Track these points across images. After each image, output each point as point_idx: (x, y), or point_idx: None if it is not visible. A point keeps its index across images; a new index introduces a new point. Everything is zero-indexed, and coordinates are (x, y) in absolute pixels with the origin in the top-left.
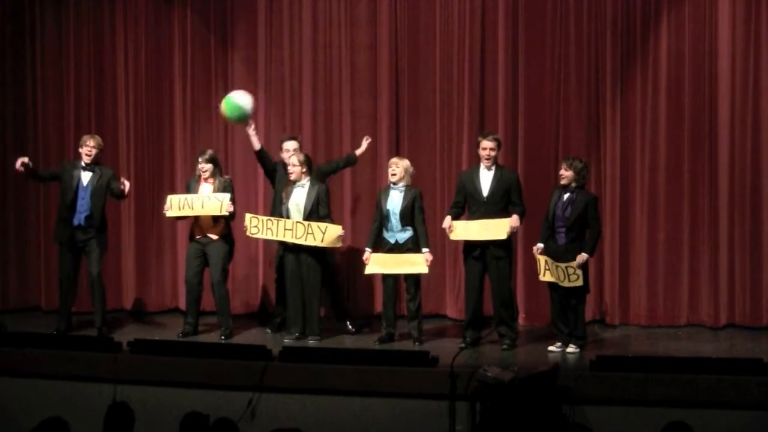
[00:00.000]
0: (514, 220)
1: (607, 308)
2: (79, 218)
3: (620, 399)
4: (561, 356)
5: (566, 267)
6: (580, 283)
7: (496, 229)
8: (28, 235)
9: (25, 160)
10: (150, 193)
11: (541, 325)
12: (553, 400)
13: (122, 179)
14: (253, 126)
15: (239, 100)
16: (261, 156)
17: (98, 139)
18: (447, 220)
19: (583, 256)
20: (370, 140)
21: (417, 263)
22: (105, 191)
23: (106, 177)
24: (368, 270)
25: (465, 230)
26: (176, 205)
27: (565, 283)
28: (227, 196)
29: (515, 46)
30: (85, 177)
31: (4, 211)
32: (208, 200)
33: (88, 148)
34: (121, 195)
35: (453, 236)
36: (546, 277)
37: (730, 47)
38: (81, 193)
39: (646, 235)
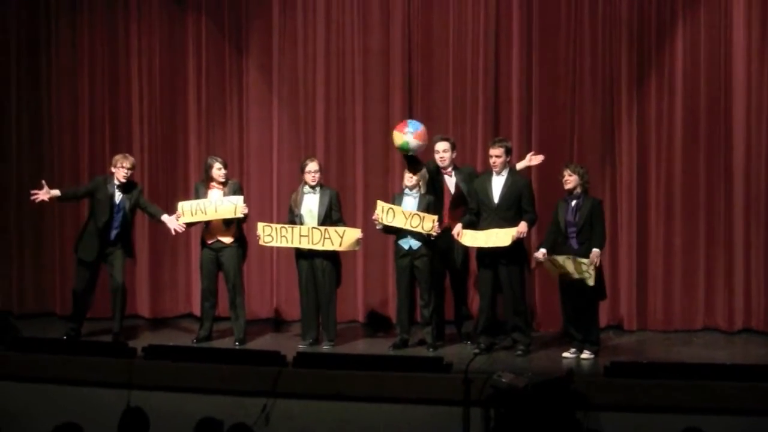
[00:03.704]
0: (522, 227)
1: (624, 313)
2: (112, 235)
3: (635, 405)
4: (575, 362)
5: (580, 263)
6: (592, 282)
7: (502, 236)
8: (44, 242)
9: (47, 194)
10: (164, 199)
11: (556, 331)
12: (567, 406)
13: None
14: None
15: (411, 143)
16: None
17: (132, 159)
18: (457, 227)
19: (596, 252)
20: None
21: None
22: (134, 208)
23: (136, 194)
24: (464, 241)
25: (473, 238)
26: (188, 211)
27: (579, 276)
28: (240, 198)
29: (529, 52)
30: (118, 196)
31: (20, 218)
32: (221, 204)
33: (124, 170)
34: (155, 217)
35: (462, 242)
36: (561, 271)
37: (746, 52)
38: (115, 212)
39: (663, 241)
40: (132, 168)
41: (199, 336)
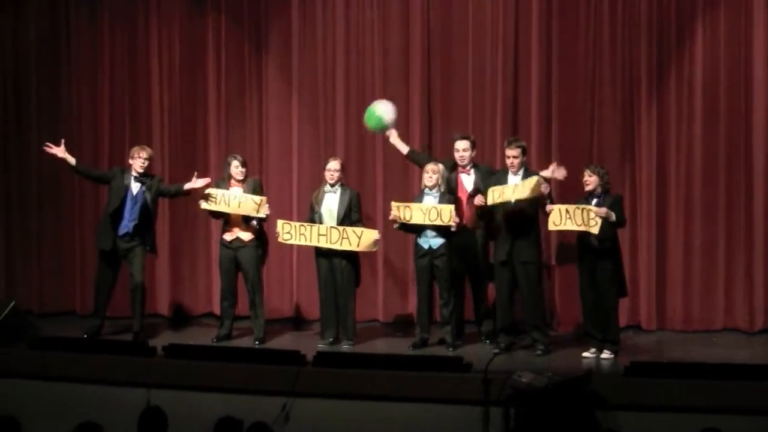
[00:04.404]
0: (545, 187)
1: (643, 313)
2: (127, 226)
3: (654, 405)
4: (595, 362)
5: (588, 210)
6: (596, 230)
7: (527, 185)
8: (64, 240)
9: (62, 152)
10: (184, 198)
11: (576, 331)
12: (587, 406)
13: (193, 180)
14: (394, 134)
15: (380, 110)
16: (412, 158)
17: (150, 150)
18: (479, 198)
19: (607, 210)
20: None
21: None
22: (155, 198)
23: (156, 183)
24: (489, 200)
25: (500, 193)
26: (213, 200)
27: (584, 228)
28: (264, 198)
29: (549, 51)
30: (135, 186)
31: (41, 216)
32: (244, 200)
33: (141, 160)
34: (181, 193)
35: (490, 201)
36: (566, 224)
37: (766, 52)
38: (129, 203)
39: (682, 241)
40: (149, 158)
41: (219, 335)
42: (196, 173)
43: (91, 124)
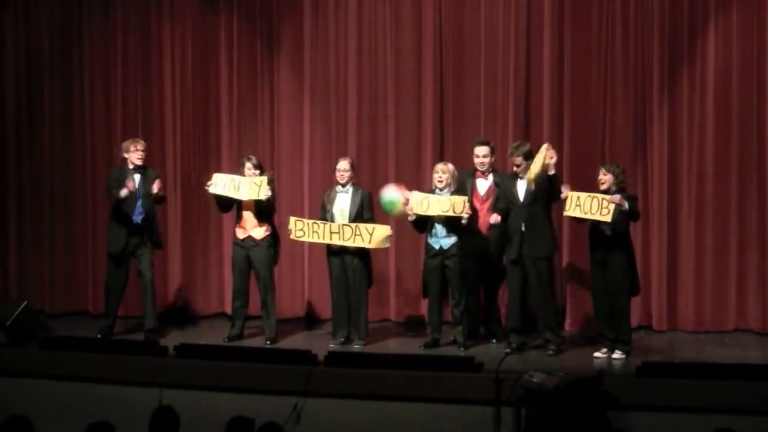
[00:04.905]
0: (551, 152)
1: (654, 313)
2: (136, 220)
3: (666, 405)
4: (607, 362)
5: (601, 199)
6: (608, 219)
7: (539, 159)
8: (76, 240)
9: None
10: (196, 195)
11: (587, 331)
12: (599, 406)
13: (155, 183)
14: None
15: (388, 196)
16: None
17: (144, 142)
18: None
19: (621, 198)
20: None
21: None
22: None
23: (152, 178)
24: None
25: (534, 173)
26: (221, 184)
27: (596, 216)
28: (264, 179)
29: (561, 51)
30: (137, 179)
31: (53, 216)
32: (245, 183)
33: (139, 153)
34: (159, 200)
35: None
36: (575, 212)
37: None
38: (137, 196)
39: (694, 241)
40: (146, 150)
41: (231, 335)
42: (210, 183)
43: (103, 125)
